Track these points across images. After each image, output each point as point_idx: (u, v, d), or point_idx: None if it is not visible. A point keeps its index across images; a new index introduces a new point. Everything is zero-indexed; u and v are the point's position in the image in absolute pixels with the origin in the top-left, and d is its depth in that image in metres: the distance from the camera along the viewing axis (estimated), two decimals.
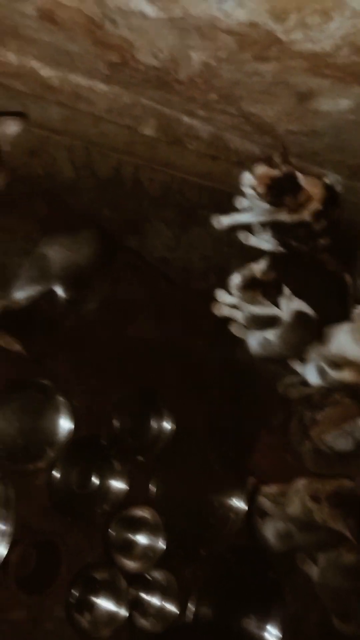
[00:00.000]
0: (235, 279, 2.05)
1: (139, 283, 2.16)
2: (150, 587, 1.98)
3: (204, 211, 2.38)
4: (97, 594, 1.87)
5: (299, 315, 2.10)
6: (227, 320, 2.29)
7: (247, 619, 2.08)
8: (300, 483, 2.05)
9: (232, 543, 2.10)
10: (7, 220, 1.86)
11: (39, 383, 1.88)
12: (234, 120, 2.09)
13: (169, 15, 1.48)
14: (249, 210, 2.28)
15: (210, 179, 2.39)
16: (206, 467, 2.16)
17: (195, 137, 2.17)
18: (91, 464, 1.95)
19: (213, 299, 2.29)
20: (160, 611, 1.96)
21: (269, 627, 2.06)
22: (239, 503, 2.13)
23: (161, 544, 1.94)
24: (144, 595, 1.97)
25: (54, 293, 1.82)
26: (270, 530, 2.07)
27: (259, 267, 2.00)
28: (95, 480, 1.96)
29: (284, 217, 2.11)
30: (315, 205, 2.07)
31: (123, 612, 1.83)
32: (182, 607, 1.96)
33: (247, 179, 1.99)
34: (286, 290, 2.06)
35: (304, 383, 2.32)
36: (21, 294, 1.77)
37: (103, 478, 1.95)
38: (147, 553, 1.95)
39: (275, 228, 2.22)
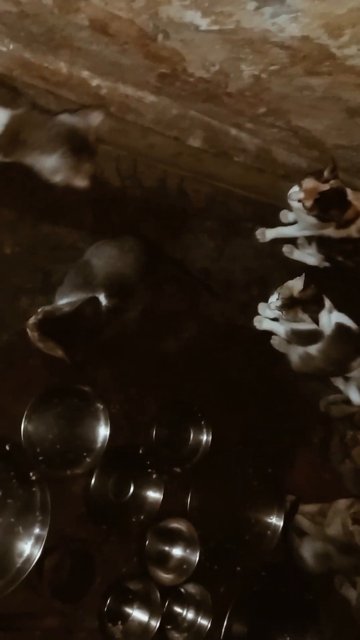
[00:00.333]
0: (274, 299, 2.03)
1: (180, 294, 2.17)
2: (184, 601, 1.96)
3: (247, 223, 2.39)
4: (131, 605, 1.86)
5: (341, 329, 2.06)
6: (268, 334, 2.26)
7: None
8: (342, 503, 2.00)
9: (268, 561, 2.07)
10: (54, 228, 1.90)
11: (80, 390, 1.89)
12: (282, 134, 2.08)
13: (221, 28, 1.48)
14: (295, 223, 2.27)
15: (255, 192, 2.39)
16: (243, 481, 2.14)
17: (242, 149, 2.17)
18: (128, 473, 1.94)
19: (254, 312, 2.27)
20: (193, 625, 1.94)
21: None
22: (275, 520, 2.10)
23: (196, 558, 1.92)
24: (177, 609, 1.95)
25: (97, 301, 1.84)
26: (307, 550, 2.03)
27: (296, 286, 1.97)
28: (131, 489, 1.95)
29: (331, 232, 2.09)
30: None
31: (156, 624, 1.81)
32: (215, 623, 1.93)
33: (295, 193, 1.97)
34: (328, 303, 2.03)
35: (347, 401, 2.27)
36: (65, 300, 1.79)
37: (139, 488, 1.95)
38: (181, 566, 1.93)
39: (321, 243, 2.20)
